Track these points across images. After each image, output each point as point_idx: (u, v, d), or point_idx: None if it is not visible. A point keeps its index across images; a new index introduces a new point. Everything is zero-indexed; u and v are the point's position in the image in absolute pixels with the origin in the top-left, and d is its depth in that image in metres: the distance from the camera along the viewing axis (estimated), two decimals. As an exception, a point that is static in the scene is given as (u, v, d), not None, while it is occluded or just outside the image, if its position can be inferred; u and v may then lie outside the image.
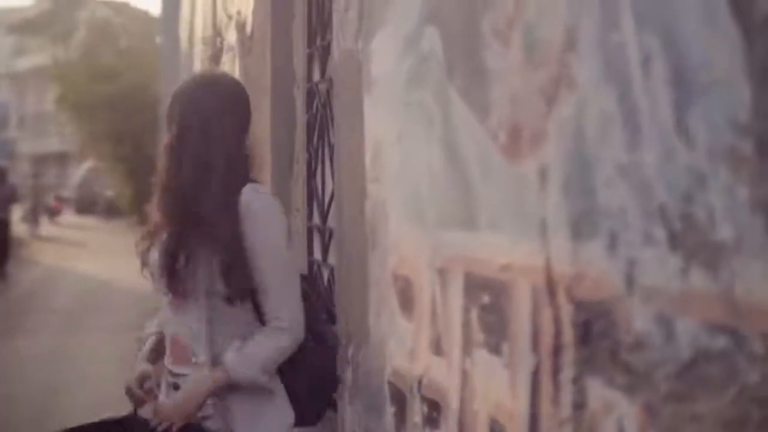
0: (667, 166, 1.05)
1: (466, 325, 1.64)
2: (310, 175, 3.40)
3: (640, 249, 1.10)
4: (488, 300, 1.54)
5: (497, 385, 1.51)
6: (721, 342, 0.96)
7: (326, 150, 3.16)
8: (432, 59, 1.79)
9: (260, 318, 1.86)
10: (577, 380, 1.25)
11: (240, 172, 1.87)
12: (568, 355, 1.27)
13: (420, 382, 1.88)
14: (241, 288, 1.81)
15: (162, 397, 1.92)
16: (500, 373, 1.49)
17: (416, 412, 1.90)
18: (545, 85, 1.33)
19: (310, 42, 3.46)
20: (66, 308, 9.54)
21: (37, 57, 35.90)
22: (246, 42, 4.45)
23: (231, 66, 4.97)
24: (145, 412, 1.91)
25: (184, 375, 1.86)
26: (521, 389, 1.42)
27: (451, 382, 1.71)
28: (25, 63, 39.78)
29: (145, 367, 1.96)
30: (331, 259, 2.98)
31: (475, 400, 1.60)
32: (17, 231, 15.28)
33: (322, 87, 3.20)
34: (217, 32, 5.86)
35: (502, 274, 1.48)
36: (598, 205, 1.19)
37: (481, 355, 1.57)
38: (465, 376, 1.65)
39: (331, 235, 3.03)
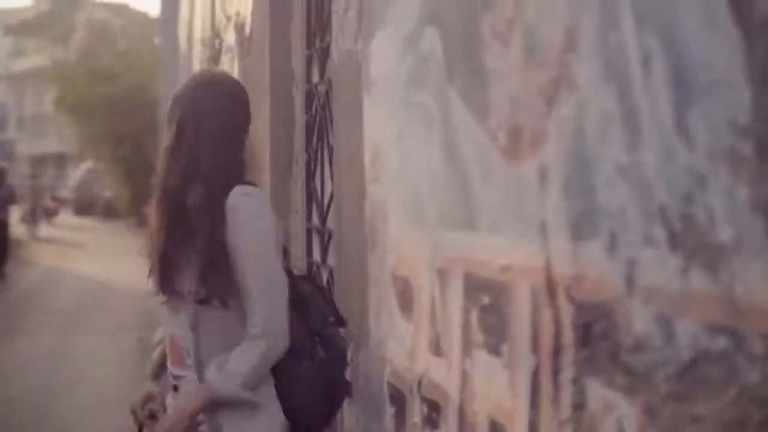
0: (667, 166, 1.05)
1: (465, 325, 1.64)
2: (309, 176, 3.40)
3: (640, 249, 1.10)
4: (488, 301, 1.54)
5: (497, 385, 1.50)
6: (721, 343, 0.96)
7: (325, 151, 3.16)
8: (432, 60, 1.78)
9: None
10: (577, 381, 1.25)
11: (228, 172, 1.83)
12: (568, 356, 1.27)
13: (419, 383, 1.88)
14: (217, 289, 1.77)
15: (168, 398, 1.93)
16: (500, 373, 1.49)
17: (416, 412, 1.90)
18: (545, 86, 1.33)
19: (309, 44, 3.46)
20: (65, 309, 9.53)
21: (35, 58, 35.96)
22: (245, 43, 4.45)
23: (230, 67, 4.98)
24: None
25: (182, 377, 1.86)
26: (521, 390, 1.42)
27: (451, 382, 1.71)
28: (23, 64, 39.84)
29: (149, 387, 1.97)
30: (331, 261, 2.97)
31: (475, 401, 1.60)
32: (16, 232, 15.28)
33: (321, 88, 3.19)
34: (216, 33, 5.87)
35: (502, 274, 1.48)
36: (598, 205, 1.19)
37: (481, 355, 1.57)
38: (465, 376, 1.65)
39: (330, 236, 3.03)
